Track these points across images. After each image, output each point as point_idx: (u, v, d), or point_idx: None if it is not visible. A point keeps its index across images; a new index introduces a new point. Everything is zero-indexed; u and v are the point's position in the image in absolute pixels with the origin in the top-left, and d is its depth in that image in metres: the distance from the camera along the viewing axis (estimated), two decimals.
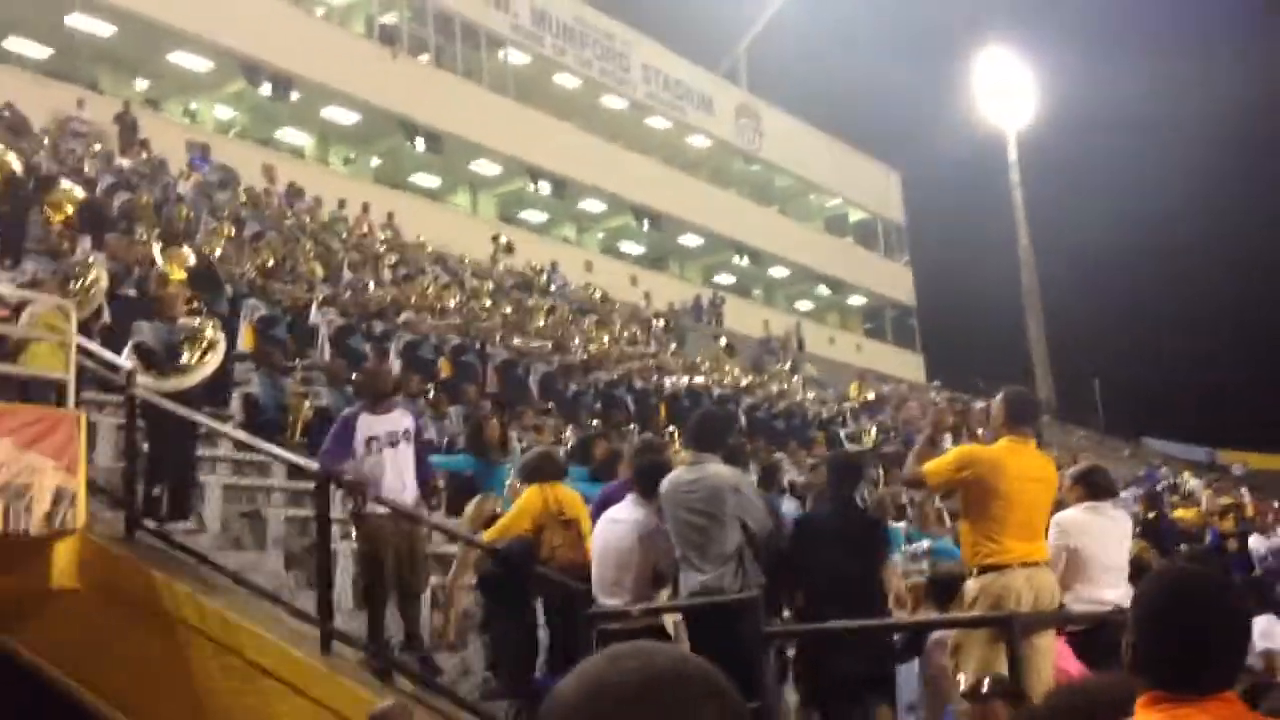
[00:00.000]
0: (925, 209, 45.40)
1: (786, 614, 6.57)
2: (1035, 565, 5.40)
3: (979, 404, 12.85)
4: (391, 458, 6.93)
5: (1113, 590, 5.93)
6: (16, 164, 11.21)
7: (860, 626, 5.97)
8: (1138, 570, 5.96)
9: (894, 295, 44.41)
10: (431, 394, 12.22)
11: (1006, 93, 42.50)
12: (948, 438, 8.15)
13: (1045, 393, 37.24)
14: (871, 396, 23.89)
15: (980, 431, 7.17)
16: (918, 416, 19.61)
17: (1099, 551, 6.04)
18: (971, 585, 5.43)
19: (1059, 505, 6.10)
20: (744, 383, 21.05)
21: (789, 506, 8.94)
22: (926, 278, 44.74)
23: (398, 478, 6.92)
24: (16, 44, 23.71)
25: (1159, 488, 19.55)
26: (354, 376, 9.49)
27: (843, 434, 18.83)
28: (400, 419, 7.10)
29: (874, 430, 19.05)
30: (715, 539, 5.97)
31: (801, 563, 6.31)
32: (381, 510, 6.77)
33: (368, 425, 6.95)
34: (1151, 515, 13.90)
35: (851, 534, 6.35)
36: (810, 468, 11.70)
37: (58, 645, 6.97)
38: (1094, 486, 6.35)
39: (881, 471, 11.44)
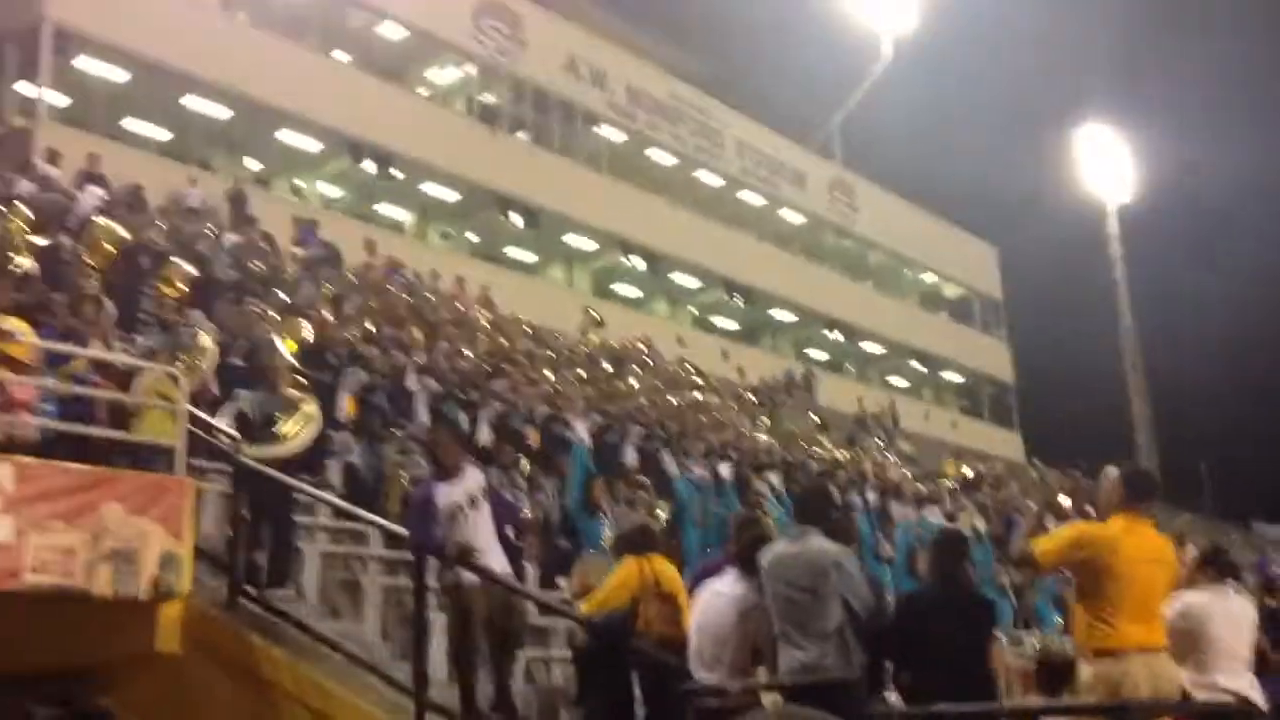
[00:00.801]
0: (1023, 285, 44.72)
1: (890, 695, 6.37)
2: (1154, 651, 5.17)
3: (1088, 482, 12.50)
4: (475, 520, 6.95)
5: (1238, 679, 5.64)
6: (124, 234, 11.59)
7: (970, 711, 5.74)
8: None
9: (991, 372, 43.62)
10: (523, 464, 12.24)
11: (1107, 167, 41.93)
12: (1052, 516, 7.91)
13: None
14: (969, 474, 23.35)
15: (1090, 510, 6.93)
16: (1018, 495, 19.10)
17: (1225, 637, 5.76)
18: (1086, 670, 5.22)
19: (1178, 587, 5.84)
20: (838, 458, 20.76)
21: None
22: (1025, 355, 43.94)
23: (484, 540, 6.93)
24: (135, 125, 24.74)
25: (1272, 574, 18.71)
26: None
27: (938, 513, 18.38)
28: (471, 479, 7.11)
29: (972, 509, 18.57)
30: (816, 615, 5.83)
31: (907, 641, 6.11)
32: (474, 579, 6.76)
33: (445, 494, 6.97)
34: (1266, 603, 13.28)
35: (960, 611, 6.13)
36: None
37: (158, 709, 7.04)
38: (1223, 568, 6.07)
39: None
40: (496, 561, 7.00)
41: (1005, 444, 40.00)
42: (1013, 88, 48.83)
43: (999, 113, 48.72)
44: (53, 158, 17.58)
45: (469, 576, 6.74)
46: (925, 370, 42.04)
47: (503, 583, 6.81)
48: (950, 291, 44.27)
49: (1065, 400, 43.30)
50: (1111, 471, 5.56)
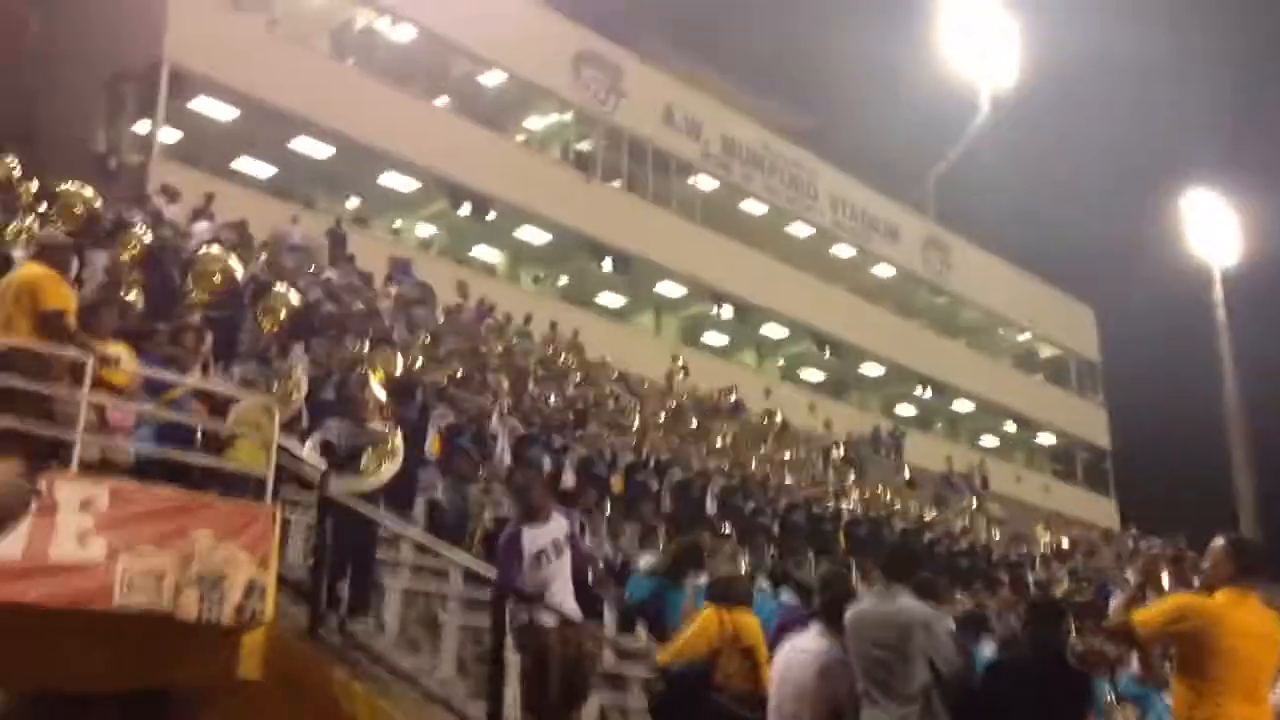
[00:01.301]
0: (1122, 347, 43.66)
1: None
2: None
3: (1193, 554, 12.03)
4: (559, 568, 6.94)
5: None
6: (239, 269, 11.89)
7: None
8: None
9: (1086, 436, 42.61)
10: (605, 507, 12.21)
11: (1211, 230, 40.93)
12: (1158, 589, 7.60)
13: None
14: (1065, 542, 22.71)
15: (1196, 582, 6.64)
16: (1112, 564, 18.52)
17: None
18: None
19: None
20: (926, 517, 20.38)
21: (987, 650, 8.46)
22: (1123, 420, 42.80)
23: (564, 586, 6.92)
24: (245, 164, 25.52)
25: None
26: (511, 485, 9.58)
27: (1030, 578, 17.91)
28: (558, 526, 7.11)
29: (1065, 577, 18.06)
30: (901, 676, 5.68)
31: (994, 710, 5.90)
32: (550, 622, 6.72)
33: (532, 539, 6.98)
34: None
35: (1053, 684, 5.89)
36: (997, 613, 11.13)
37: None
38: None
39: (1073, 622, 10.75)
40: (571, 608, 6.97)
41: (1099, 510, 38.95)
42: (1113, 146, 48.07)
43: (1099, 172, 47.95)
44: (168, 193, 18.18)
45: (546, 619, 6.71)
46: (1017, 431, 41.21)
47: (580, 627, 6.75)
48: (1046, 352, 43.45)
49: (1164, 468, 41.97)
50: (1218, 541, 5.31)
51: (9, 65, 25.87)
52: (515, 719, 7.33)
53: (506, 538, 7.19)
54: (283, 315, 11.52)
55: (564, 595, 6.95)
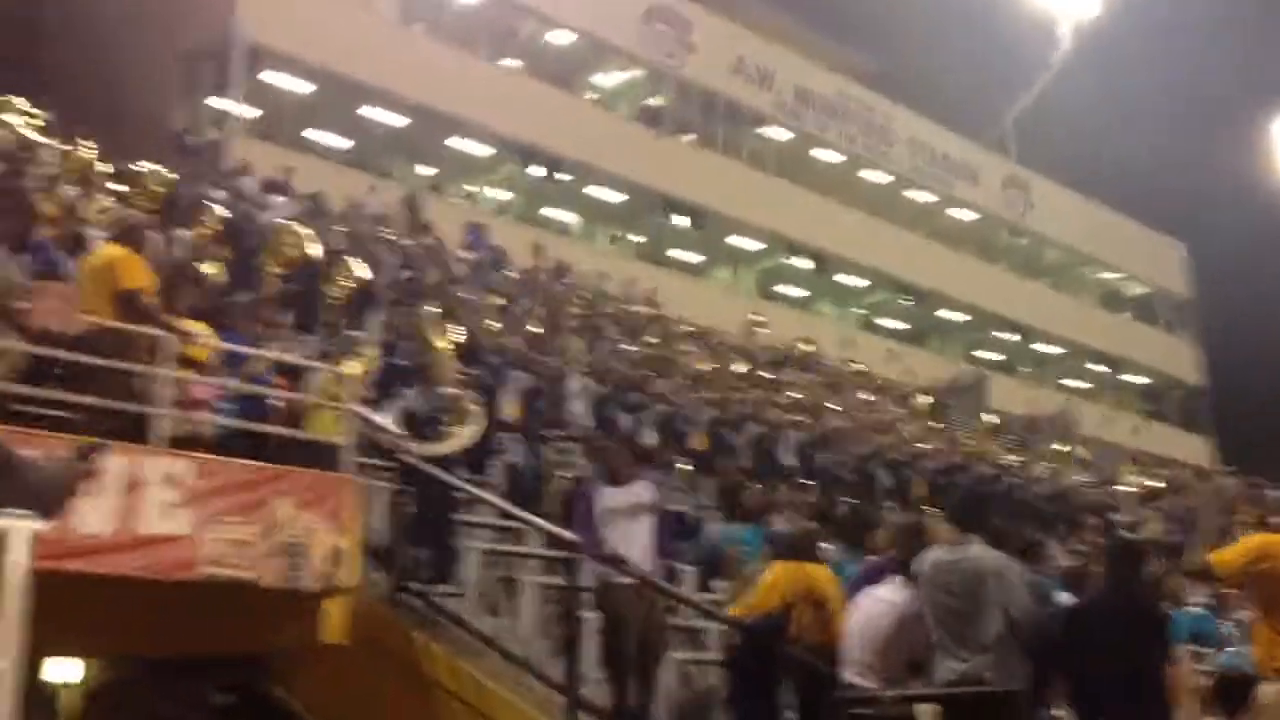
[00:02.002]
0: (1215, 282, 42.35)
1: (1055, 711, 6.12)
2: None
3: (1273, 492, 11.76)
4: (627, 530, 7.00)
5: None
6: (316, 249, 12.09)
7: None
8: None
9: (1179, 374, 41.58)
10: (685, 465, 12.26)
11: None
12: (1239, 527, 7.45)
13: None
14: (1151, 483, 22.24)
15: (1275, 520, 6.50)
16: (1205, 503, 18.13)
17: None
18: (1269, 691, 4.89)
19: None
20: (1008, 461, 20.10)
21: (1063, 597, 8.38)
22: (1218, 356, 41.63)
23: (637, 550, 6.97)
24: (319, 135, 25.86)
25: None
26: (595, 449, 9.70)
27: (1118, 520, 17.61)
28: (641, 492, 7.17)
29: (1154, 519, 17.70)
30: (975, 625, 5.67)
31: (1075, 655, 5.84)
32: (625, 580, 6.80)
33: (609, 498, 7.06)
34: None
35: (1133, 625, 5.80)
36: (1079, 554, 10.97)
37: (324, 698, 7.31)
38: None
39: (1163, 561, 10.58)
40: (646, 568, 7.04)
41: (1194, 450, 38.05)
42: (1200, 75, 46.38)
43: (1185, 102, 46.37)
44: (244, 168, 18.53)
45: (620, 579, 6.80)
46: (1105, 372, 40.35)
47: (654, 584, 6.83)
48: (1133, 290, 42.41)
49: (1264, 404, 40.82)
50: None
51: (85, 43, 26.48)
52: (594, 676, 7.48)
53: (581, 496, 7.30)
54: (352, 286, 11.70)
55: (640, 556, 7.03)
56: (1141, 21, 41.29)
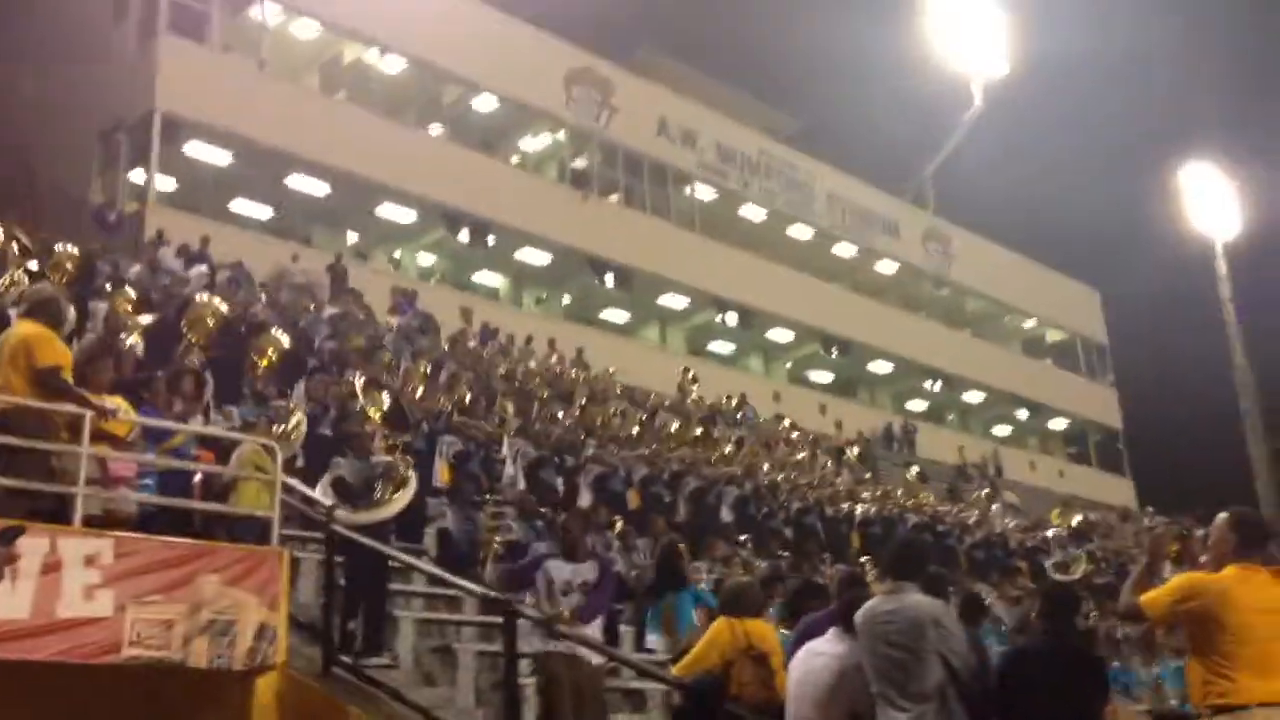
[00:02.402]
0: (1129, 327, 43.54)
1: None
2: (1276, 706, 4.86)
3: (1200, 530, 11.95)
4: (568, 604, 7.00)
5: None
6: (225, 309, 11.92)
7: None
8: None
9: (1099, 418, 42.48)
10: (619, 525, 12.19)
11: (1211, 204, 40.78)
12: (1167, 567, 7.57)
13: (1270, 520, 34.53)
14: (1077, 522, 22.59)
15: (1202, 559, 6.60)
16: (1130, 545, 18.41)
17: None
18: None
19: None
20: (940, 510, 20.29)
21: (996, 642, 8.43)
22: (1134, 399, 42.66)
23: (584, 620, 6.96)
24: (242, 205, 25.63)
25: None
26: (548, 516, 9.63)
27: (1049, 564, 17.81)
28: (588, 572, 7.20)
29: (1083, 560, 17.94)
30: (915, 675, 5.63)
31: (1011, 703, 5.85)
32: (559, 648, 6.73)
33: (559, 570, 7.07)
34: None
35: (1068, 671, 5.84)
36: (1014, 599, 11.08)
37: None
38: None
39: (1093, 605, 10.73)
40: (587, 635, 7.00)
41: (1116, 491, 38.77)
42: (1108, 128, 48.01)
43: (1095, 154, 47.88)
44: (161, 239, 18.28)
45: (556, 645, 6.73)
46: (1030, 418, 41.08)
47: (593, 645, 6.76)
48: (1053, 337, 43.38)
49: (1179, 445, 41.79)
50: (1221, 516, 5.28)
51: (3, 122, 26.08)
52: None
53: (534, 559, 7.28)
54: (274, 355, 11.54)
55: (583, 627, 6.99)
56: (1049, 78, 42.70)
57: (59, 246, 12.11)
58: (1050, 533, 21.21)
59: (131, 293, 12.09)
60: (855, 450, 25.43)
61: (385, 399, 10.52)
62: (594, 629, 7.13)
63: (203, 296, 12.10)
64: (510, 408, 15.72)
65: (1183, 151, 42.02)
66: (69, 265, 11.63)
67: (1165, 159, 42.27)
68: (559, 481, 13.68)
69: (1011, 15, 40.84)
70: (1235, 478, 37.05)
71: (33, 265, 10.99)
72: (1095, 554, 19.52)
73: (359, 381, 10.81)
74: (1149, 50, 47.26)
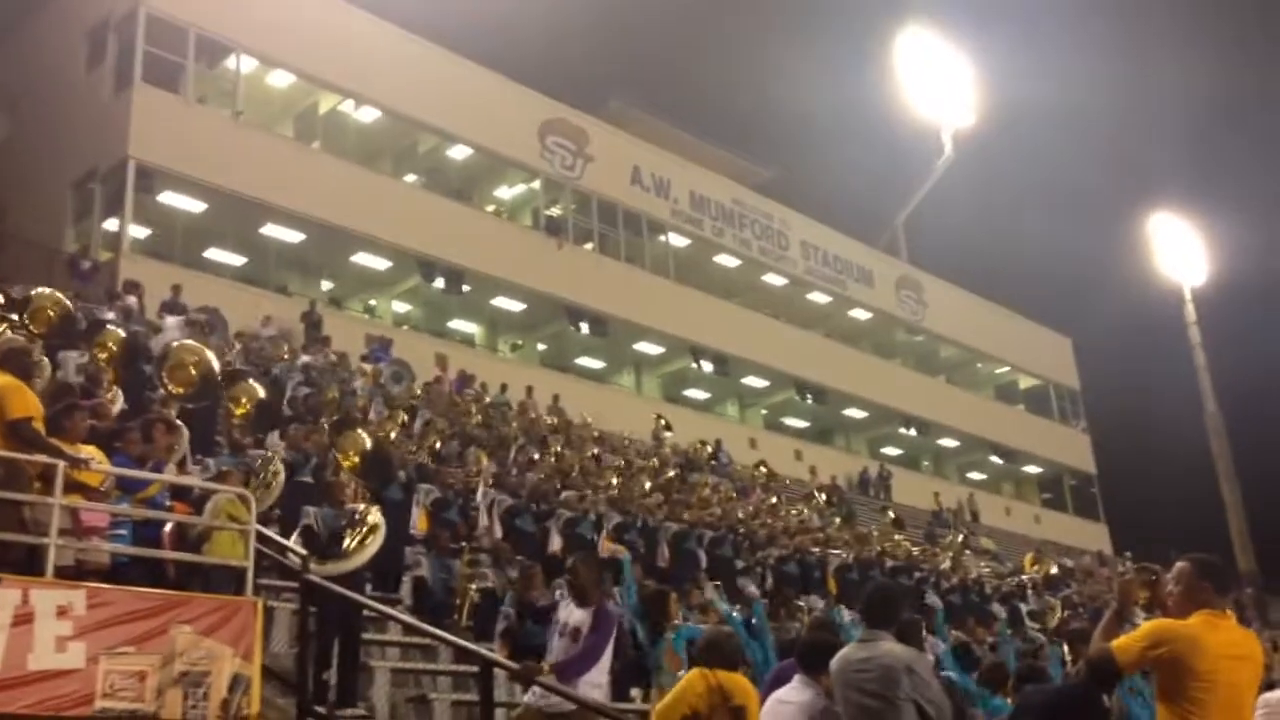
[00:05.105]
0: (1101, 373, 43.97)
1: None
2: None
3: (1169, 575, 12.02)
4: (564, 648, 6.93)
5: None
6: (216, 363, 11.90)
7: None
8: None
9: (1072, 463, 42.74)
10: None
11: (1180, 251, 41.41)
12: (1138, 612, 7.60)
13: (1246, 564, 34.79)
14: (1054, 570, 22.67)
15: (1171, 605, 6.66)
16: (1105, 590, 18.48)
17: None
18: None
19: (1268, 685, 5.57)
20: (915, 555, 20.34)
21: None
22: (1107, 444, 42.95)
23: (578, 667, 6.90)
24: (216, 254, 25.63)
25: None
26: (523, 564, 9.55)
27: (1024, 610, 17.88)
28: (587, 616, 7.09)
29: (1059, 608, 18.01)
30: None
31: None
32: (531, 698, 6.71)
33: (566, 612, 7.03)
34: None
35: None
36: (991, 646, 11.09)
37: None
38: None
39: (1068, 650, 10.74)
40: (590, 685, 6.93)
41: (1092, 536, 38.93)
42: (1076, 176, 48.71)
43: (1064, 202, 48.57)
44: (135, 289, 18.24)
45: (527, 696, 6.70)
46: (1004, 463, 41.30)
47: (565, 695, 6.72)
48: (1025, 383, 43.71)
49: (1153, 489, 42.10)
50: (1182, 564, 5.34)
51: None
52: None
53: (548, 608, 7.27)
54: (248, 405, 11.51)
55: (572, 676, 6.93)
56: (1017, 127, 43.38)
57: (35, 291, 12.05)
58: (1026, 578, 21.30)
59: (108, 342, 12.04)
60: (823, 496, 25.37)
61: (363, 444, 10.51)
62: (595, 677, 7.02)
63: (179, 344, 12.05)
64: (485, 456, 15.70)
65: (1151, 198, 42.81)
66: (51, 313, 11.58)
67: (1133, 206, 43.01)
68: (533, 528, 13.64)
69: (979, 66, 41.62)
70: (1209, 520, 37.33)
71: (12, 316, 10.96)
72: (1072, 598, 19.60)
73: (336, 429, 10.79)
74: (1115, 99, 48.18)
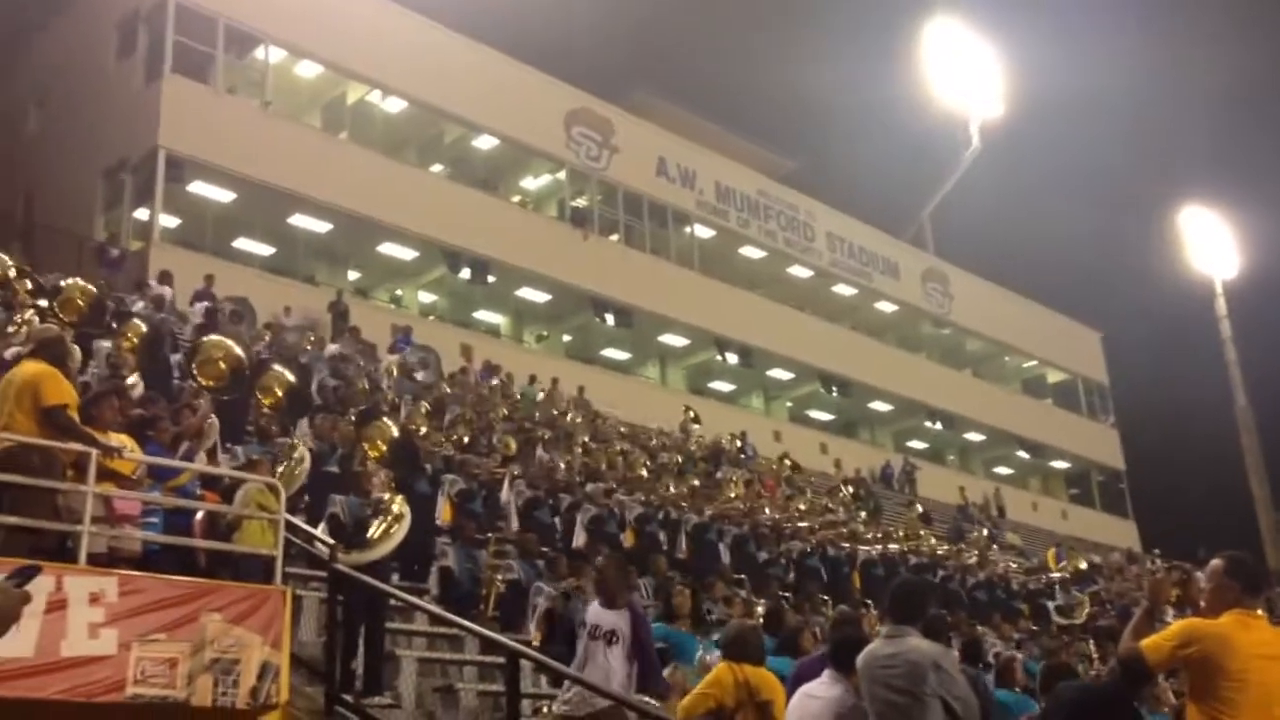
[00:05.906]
0: (1130, 367, 43.57)
1: None
2: None
3: (1200, 573, 11.95)
4: (600, 650, 6.93)
5: None
6: (243, 354, 11.98)
7: None
8: None
9: (1100, 459, 42.41)
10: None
11: (1210, 245, 41.03)
12: (1169, 611, 7.57)
13: (1277, 562, 34.50)
14: (1084, 566, 22.51)
15: (1203, 604, 6.61)
16: (1134, 587, 18.36)
17: None
18: None
19: None
20: (941, 551, 20.25)
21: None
22: (1136, 439, 42.58)
23: (599, 670, 6.89)
24: (244, 243, 25.79)
25: None
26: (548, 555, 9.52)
27: (1052, 607, 17.78)
28: (620, 619, 7.08)
29: (1086, 604, 17.89)
30: (916, 719, 5.64)
31: None
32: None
33: (596, 615, 7.03)
34: None
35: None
36: (1015, 643, 11.05)
37: None
38: None
39: (1094, 648, 10.71)
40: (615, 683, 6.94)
41: (1120, 533, 38.66)
42: (1105, 168, 48.24)
43: (1093, 194, 48.11)
44: (165, 278, 18.37)
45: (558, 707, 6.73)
46: (1031, 458, 41.05)
47: (593, 688, 6.74)
48: (1053, 377, 43.39)
49: (1182, 485, 41.76)
50: (1216, 562, 5.29)
51: (8, 161, 26.30)
52: None
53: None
54: (279, 393, 11.58)
55: (602, 679, 6.93)
56: (1046, 118, 43.02)
57: (68, 280, 12.17)
58: (1054, 575, 21.16)
59: (136, 331, 12.13)
60: (850, 489, 25.32)
61: (389, 433, 10.55)
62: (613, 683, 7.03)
63: (211, 337, 12.15)
64: (512, 446, 15.73)
65: (1182, 191, 42.39)
66: (80, 302, 11.69)
67: (1164, 199, 42.62)
68: (555, 521, 13.67)
69: (1007, 57, 41.30)
70: (1238, 517, 37.05)
71: (42, 303, 11.07)
72: (1100, 595, 19.47)
73: (362, 419, 10.84)
74: (1145, 90, 47.68)
